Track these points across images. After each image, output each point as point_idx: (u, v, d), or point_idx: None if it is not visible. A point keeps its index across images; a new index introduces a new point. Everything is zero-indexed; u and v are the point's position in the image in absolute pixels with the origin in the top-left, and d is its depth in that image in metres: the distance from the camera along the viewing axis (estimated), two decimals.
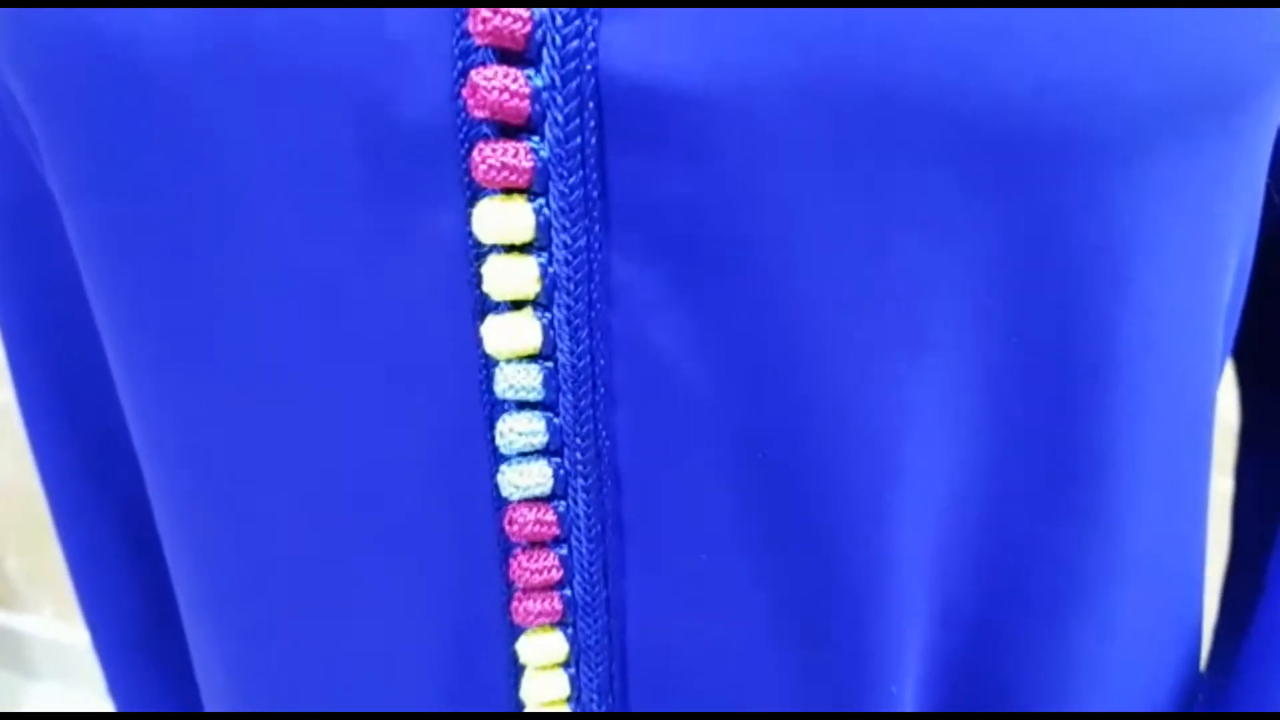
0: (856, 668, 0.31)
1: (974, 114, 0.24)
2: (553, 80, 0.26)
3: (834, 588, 0.31)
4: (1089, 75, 0.23)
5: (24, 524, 1.68)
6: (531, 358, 0.29)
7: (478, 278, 0.28)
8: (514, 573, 0.31)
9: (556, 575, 0.31)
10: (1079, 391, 0.28)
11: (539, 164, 0.27)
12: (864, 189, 0.25)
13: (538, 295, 0.28)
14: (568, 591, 0.32)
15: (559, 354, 0.29)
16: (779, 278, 0.27)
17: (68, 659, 1.77)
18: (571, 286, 0.28)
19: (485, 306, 0.28)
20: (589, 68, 0.25)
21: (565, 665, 0.33)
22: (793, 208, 0.26)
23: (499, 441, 0.29)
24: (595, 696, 0.33)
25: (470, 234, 0.28)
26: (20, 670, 1.82)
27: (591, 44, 0.25)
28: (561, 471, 0.30)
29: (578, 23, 0.25)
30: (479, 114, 0.26)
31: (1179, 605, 0.36)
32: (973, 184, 0.25)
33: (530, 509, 0.30)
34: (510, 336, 0.28)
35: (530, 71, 0.26)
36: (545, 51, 0.26)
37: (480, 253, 0.28)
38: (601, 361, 0.29)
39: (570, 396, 0.29)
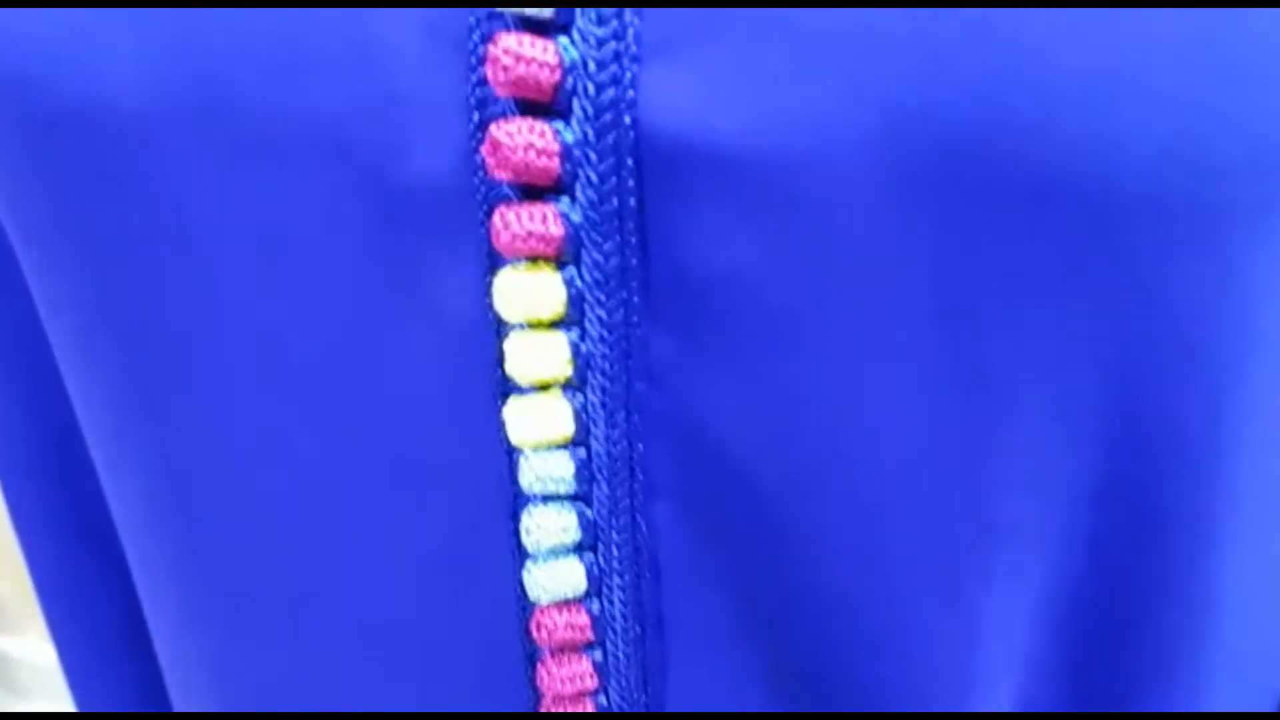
0: None
1: (1087, 179, 0.20)
2: (585, 135, 0.22)
3: (900, 688, 0.27)
4: (1224, 130, 0.20)
5: (12, 547, 1.65)
6: (561, 445, 0.25)
7: (499, 357, 0.24)
8: (542, 682, 0.27)
9: (591, 684, 0.28)
10: (1182, 489, 0.25)
11: (570, 229, 0.23)
12: (947, 266, 0.21)
13: (569, 377, 0.24)
14: (602, 699, 0.28)
15: (593, 440, 0.25)
16: (840, 357, 0.23)
17: (55, 680, 1.73)
18: (607, 365, 0.24)
19: (507, 388, 0.25)
20: (627, 120, 0.22)
21: None
22: (861, 282, 0.22)
23: (525, 539, 0.26)
24: None
25: (491, 308, 0.24)
26: (10, 690, 1.78)
27: (630, 93, 0.22)
28: (596, 569, 0.26)
29: (614, 69, 0.22)
30: (500, 174, 0.22)
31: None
32: (1081, 259, 0.21)
33: (560, 611, 0.27)
34: (537, 423, 0.25)
35: (560, 124, 0.22)
36: (577, 102, 0.22)
37: (502, 329, 0.24)
38: (640, 446, 0.25)
39: (606, 487, 0.26)
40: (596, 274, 0.23)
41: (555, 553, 0.26)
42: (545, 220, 0.23)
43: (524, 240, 0.23)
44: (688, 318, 0.24)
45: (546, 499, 0.26)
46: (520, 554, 0.26)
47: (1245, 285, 0.22)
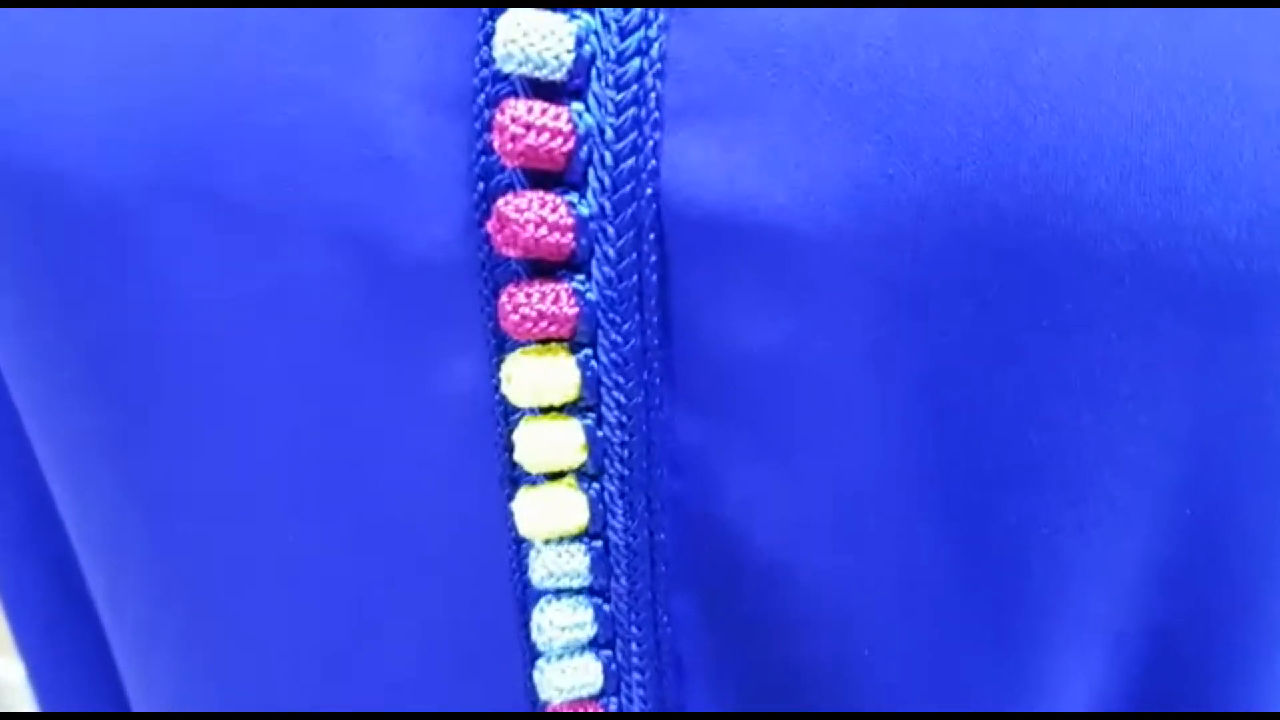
0: None
1: (1167, 255, 0.18)
2: (602, 208, 0.20)
3: None
4: None
5: None
6: (576, 536, 0.23)
7: (508, 444, 0.22)
8: None
9: None
10: (1252, 577, 0.23)
11: (585, 308, 0.21)
12: (1004, 350, 0.20)
13: (583, 465, 0.22)
14: None
15: (610, 531, 0.23)
16: (882, 446, 0.21)
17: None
18: (626, 453, 0.22)
19: (517, 476, 0.23)
20: (648, 192, 0.20)
21: None
22: (901, 365, 0.20)
23: (536, 637, 0.24)
24: None
25: (498, 393, 0.22)
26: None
27: (652, 163, 0.20)
28: (614, 666, 0.24)
29: (634, 136, 0.20)
30: (509, 252, 0.20)
31: None
32: (1158, 339, 0.19)
33: (574, 710, 0.25)
34: (549, 514, 0.23)
35: (574, 197, 0.20)
36: (592, 173, 0.20)
37: (511, 415, 0.22)
38: (662, 536, 0.23)
39: (625, 580, 0.24)
40: (614, 355, 0.21)
41: (569, 650, 0.24)
42: (558, 300, 0.21)
43: (534, 322, 0.21)
44: (713, 400, 0.22)
45: (560, 593, 0.24)
46: (531, 652, 0.24)
47: None
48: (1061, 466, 0.20)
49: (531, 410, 0.22)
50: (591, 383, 0.22)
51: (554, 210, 0.20)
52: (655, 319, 0.21)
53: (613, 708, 0.25)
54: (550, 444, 0.22)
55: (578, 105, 0.20)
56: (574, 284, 0.21)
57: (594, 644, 0.24)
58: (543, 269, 0.21)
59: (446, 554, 0.24)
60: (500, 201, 0.20)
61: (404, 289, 0.22)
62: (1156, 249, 0.18)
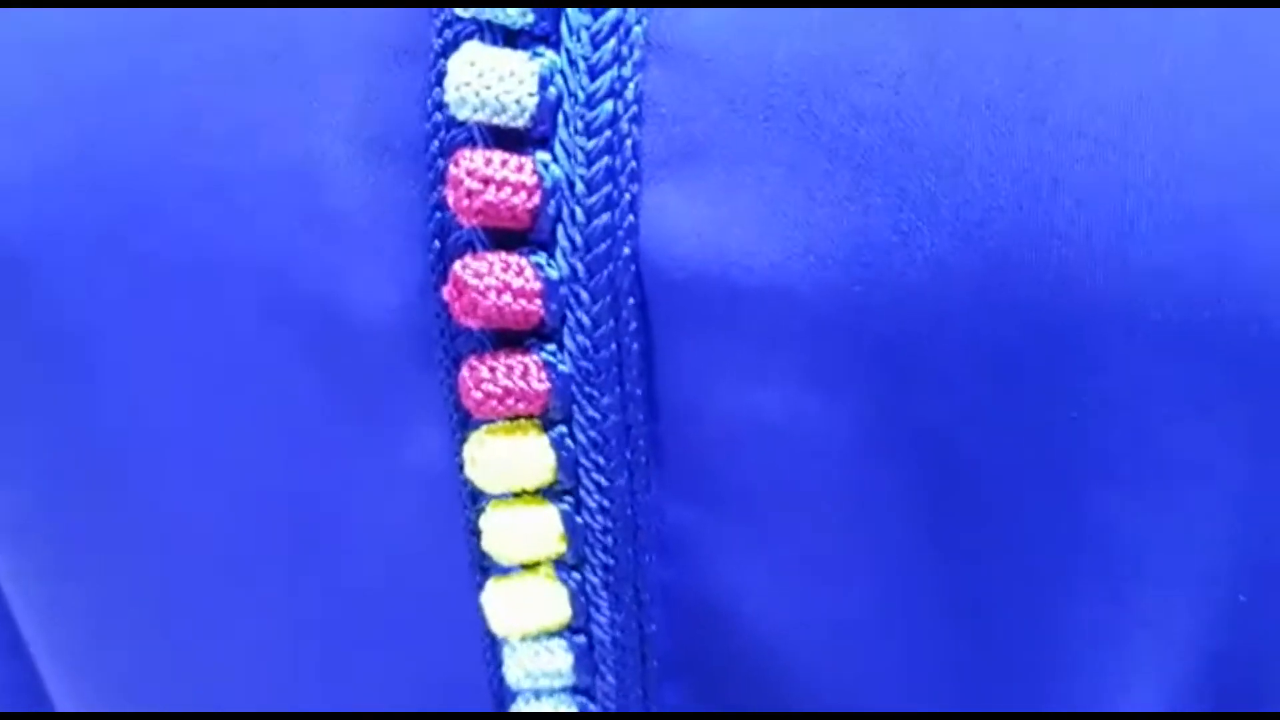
0: None
1: (1226, 323, 0.16)
2: (574, 270, 0.18)
3: None
4: None
5: None
6: (555, 632, 0.21)
7: (475, 530, 0.20)
8: None
9: None
10: None
11: (557, 383, 0.19)
12: (1033, 430, 0.17)
13: (562, 554, 0.20)
14: None
15: (594, 626, 0.21)
16: (886, 531, 0.19)
17: None
18: (610, 540, 0.20)
19: (486, 566, 0.20)
20: (626, 251, 0.17)
21: None
22: (909, 437, 0.18)
23: None
24: None
25: (462, 475, 0.19)
26: None
27: (629, 218, 0.17)
28: None
29: (608, 190, 0.17)
30: (468, 321, 0.18)
31: None
32: (1213, 416, 0.16)
33: None
34: (525, 609, 0.20)
35: (542, 258, 0.18)
36: (562, 230, 0.18)
37: (478, 499, 0.20)
38: (652, 628, 0.21)
39: (612, 678, 0.21)
40: (593, 434, 0.19)
41: None
42: (526, 374, 0.18)
43: (500, 400, 0.18)
44: (702, 479, 0.19)
45: (539, 694, 0.21)
46: None
47: None
48: (1096, 561, 0.18)
49: (504, 494, 0.20)
50: (568, 464, 0.19)
51: (519, 274, 0.18)
52: (638, 391, 0.19)
53: None
54: (523, 533, 0.19)
55: (543, 155, 0.17)
56: (544, 355, 0.18)
57: None
58: (508, 338, 0.19)
59: (416, 649, 0.22)
60: (457, 265, 0.18)
61: (354, 357, 0.19)
62: (1214, 315, 0.15)
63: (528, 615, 0.20)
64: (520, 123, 0.17)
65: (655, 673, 0.21)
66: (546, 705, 0.21)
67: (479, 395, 0.18)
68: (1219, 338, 0.16)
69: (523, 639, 0.21)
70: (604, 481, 0.19)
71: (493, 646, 0.21)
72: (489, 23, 0.17)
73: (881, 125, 0.16)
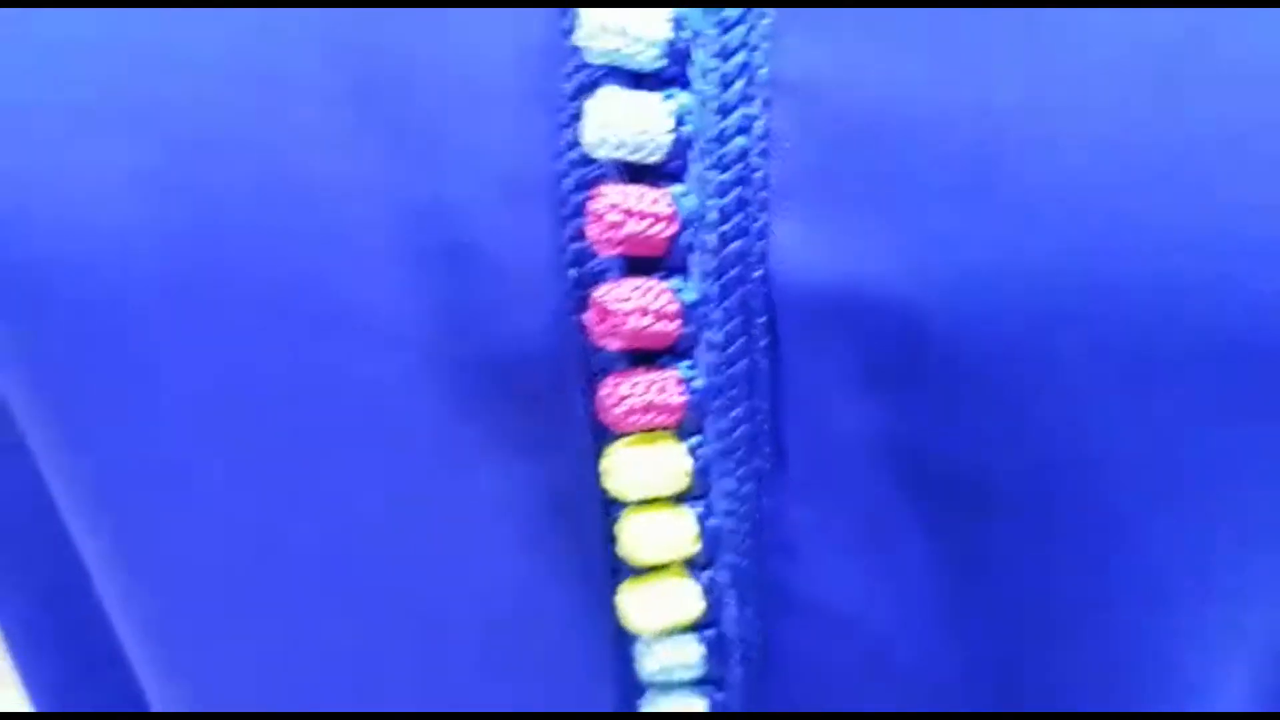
0: None
1: None
2: (706, 294, 0.19)
3: None
4: None
5: None
6: (688, 628, 0.22)
7: (610, 538, 0.21)
8: None
9: None
10: None
11: (692, 395, 0.20)
12: (1156, 443, 0.18)
13: (695, 555, 0.21)
14: None
15: (724, 621, 0.22)
16: (990, 538, 0.20)
17: None
18: (738, 540, 0.21)
19: (620, 569, 0.22)
20: (756, 275, 0.19)
21: None
22: (1030, 456, 0.19)
23: None
24: None
25: (598, 486, 0.21)
26: None
27: (759, 245, 0.19)
28: None
29: (739, 218, 0.19)
30: (611, 344, 0.19)
31: None
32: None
33: None
34: (661, 608, 0.22)
35: (677, 281, 0.19)
36: (696, 257, 0.19)
37: (612, 508, 0.21)
38: (773, 622, 0.22)
39: (740, 671, 0.22)
40: (725, 443, 0.20)
41: None
42: (665, 389, 0.20)
43: (641, 414, 0.20)
44: (821, 484, 0.21)
45: (669, 687, 0.23)
46: None
47: None
48: (1197, 587, 0.19)
49: (637, 501, 0.21)
50: (702, 471, 0.21)
51: (659, 297, 0.19)
52: (765, 405, 0.20)
53: None
54: (661, 537, 0.21)
55: (678, 188, 0.19)
56: (680, 371, 0.20)
57: None
58: (642, 356, 0.20)
59: (549, 650, 0.23)
60: (599, 291, 0.19)
61: (486, 382, 0.20)
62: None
63: (665, 612, 0.22)
64: (655, 159, 0.19)
65: (778, 669, 0.23)
66: (675, 699, 0.23)
67: (621, 411, 0.20)
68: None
69: (658, 635, 0.22)
70: (734, 486, 0.21)
71: (624, 643, 0.22)
72: (618, 68, 0.19)
73: (1004, 152, 0.17)
